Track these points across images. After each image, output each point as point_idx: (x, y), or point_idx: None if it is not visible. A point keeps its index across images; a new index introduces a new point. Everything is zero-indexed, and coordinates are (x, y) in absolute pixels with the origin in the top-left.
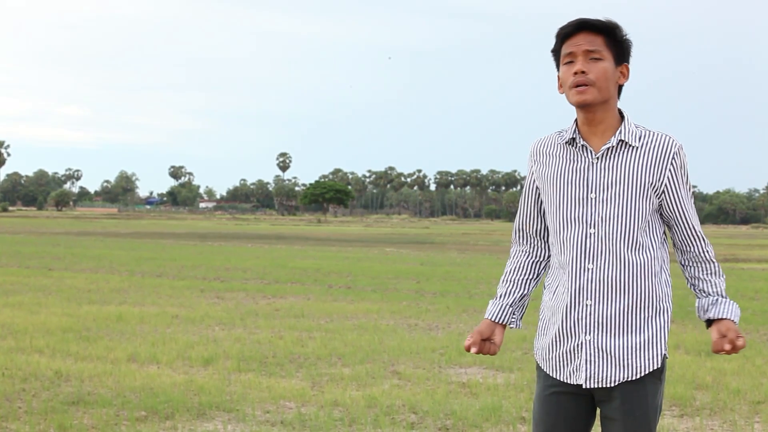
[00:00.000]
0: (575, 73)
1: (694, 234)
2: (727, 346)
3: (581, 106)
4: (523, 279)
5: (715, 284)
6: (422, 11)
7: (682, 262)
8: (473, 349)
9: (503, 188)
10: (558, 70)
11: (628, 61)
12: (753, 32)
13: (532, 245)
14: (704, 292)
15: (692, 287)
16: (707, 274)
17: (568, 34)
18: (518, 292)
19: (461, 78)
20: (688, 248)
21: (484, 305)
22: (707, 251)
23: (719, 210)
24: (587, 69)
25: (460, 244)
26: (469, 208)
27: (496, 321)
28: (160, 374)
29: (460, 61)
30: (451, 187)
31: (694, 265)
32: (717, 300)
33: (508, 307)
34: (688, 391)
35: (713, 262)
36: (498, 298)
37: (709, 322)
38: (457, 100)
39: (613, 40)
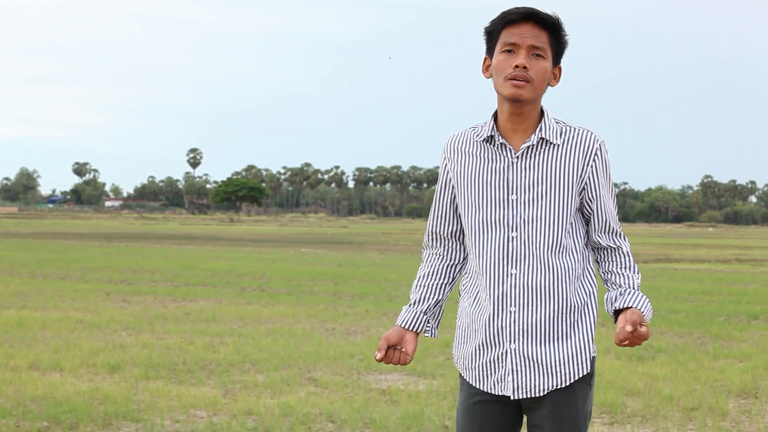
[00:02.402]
0: (516, 66)
1: (612, 230)
2: (629, 327)
3: (513, 101)
4: (438, 284)
5: (629, 277)
6: (344, 0)
7: (597, 259)
8: (377, 356)
9: (425, 185)
10: (489, 52)
11: (560, 63)
12: (686, 30)
13: (448, 248)
14: (615, 284)
15: (605, 282)
16: (621, 267)
17: (513, 21)
18: (433, 298)
19: (383, 70)
20: (604, 244)
21: None
22: (623, 246)
23: (651, 208)
24: (529, 65)
25: (380, 244)
26: (389, 207)
27: (409, 329)
28: (64, 382)
29: (381, 54)
30: (371, 184)
31: (609, 260)
32: (626, 291)
33: (422, 314)
34: (619, 397)
35: (628, 256)
36: (412, 305)
37: (617, 316)
38: (378, 93)
39: (556, 39)
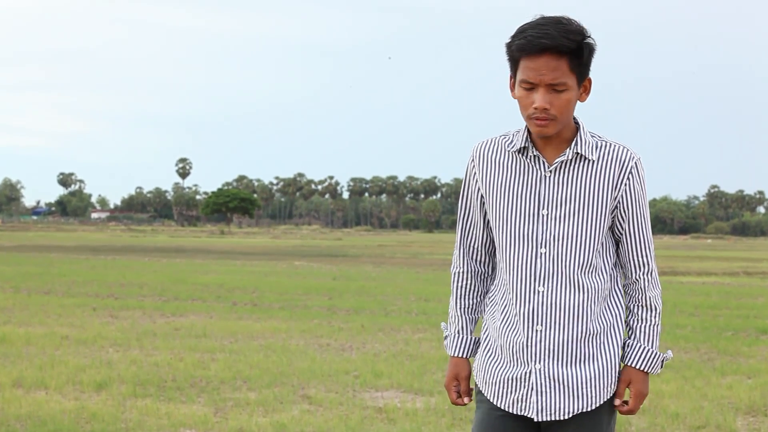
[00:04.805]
0: (536, 108)
1: (643, 255)
2: (621, 407)
3: (540, 137)
4: (480, 302)
5: (645, 321)
6: (338, 5)
7: (624, 285)
8: (467, 400)
9: (422, 196)
10: (512, 72)
11: (589, 73)
12: (690, 35)
13: (482, 261)
14: (631, 329)
15: (626, 315)
16: (641, 308)
17: (529, 53)
18: (477, 318)
19: (378, 78)
20: (631, 272)
21: (402, 323)
22: (649, 279)
23: (656, 219)
24: (550, 103)
25: (376, 257)
26: (385, 218)
27: (470, 357)
28: (49, 400)
29: (376, 60)
30: (366, 195)
31: (632, 293)
32: (635, 344)
33: (474, 336)
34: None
35: (644, 293)
36: (463, 331)
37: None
38: (373, 101)
39: (579, 60)
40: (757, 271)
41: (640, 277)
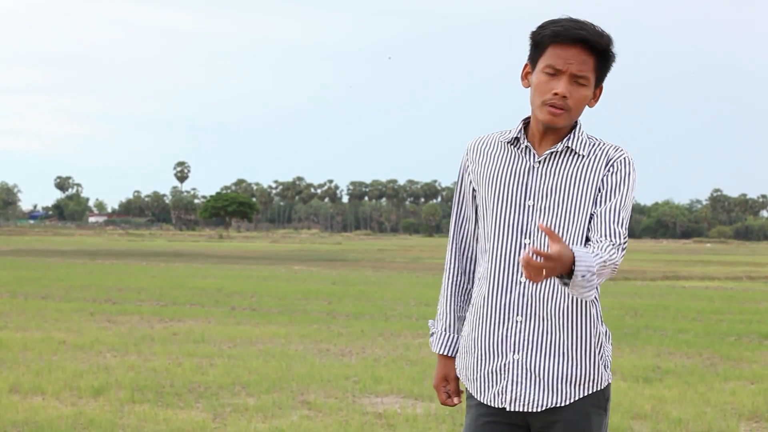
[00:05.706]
0: (555, 93)
1: (610, 235)
2: (523, 256)
3: (548, 127)
4: (470, 300)
5: (592, 247)
6: (337, 8)
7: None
8: (456, 401)
9: (422, 200)
10: (531, 60)
11: (602, 84)
12: (692, 36)
13: (473, 258)
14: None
15: None
16: (594, 248)
17: (561, 41)
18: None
19: (377, 80)
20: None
21: (402, 328)
22: (612, 250)
23: (658, 223)
24: (569, 93)
25: (376, 262)
26: (385, 222)
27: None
28: (46, 406)
29: (376, 63)
30: (366, 198)
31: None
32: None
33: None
34: (625, 420)
35: (604, 246)
36: (450, 328)
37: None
38: (373, 104)
39: (603, 64)
40: (760, 275)
41: (606, 247)
